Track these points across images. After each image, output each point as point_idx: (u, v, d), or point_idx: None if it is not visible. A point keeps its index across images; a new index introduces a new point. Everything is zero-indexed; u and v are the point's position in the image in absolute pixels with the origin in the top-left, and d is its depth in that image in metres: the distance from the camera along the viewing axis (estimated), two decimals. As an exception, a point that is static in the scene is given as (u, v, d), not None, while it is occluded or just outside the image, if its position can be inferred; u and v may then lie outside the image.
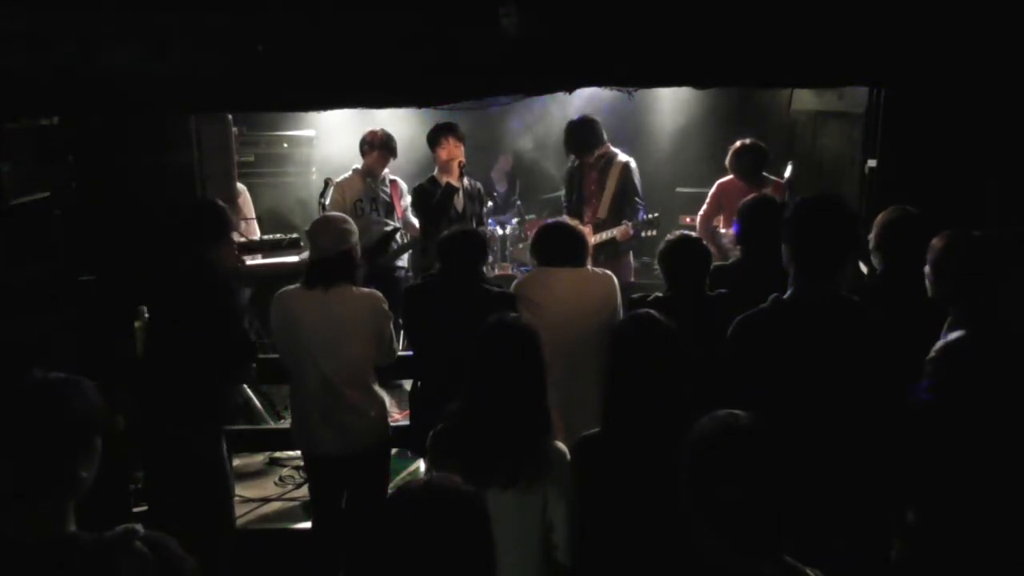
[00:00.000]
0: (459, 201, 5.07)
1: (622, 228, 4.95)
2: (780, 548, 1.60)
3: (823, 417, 2.36)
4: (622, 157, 5.13)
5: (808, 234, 2.44)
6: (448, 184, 5.01)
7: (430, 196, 5.03)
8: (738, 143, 5.02)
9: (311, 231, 3.40)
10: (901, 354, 2.46)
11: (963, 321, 2.49)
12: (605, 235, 5.04)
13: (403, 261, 5.67)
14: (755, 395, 2.23)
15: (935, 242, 2.60)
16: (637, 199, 5.06)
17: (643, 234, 4.98)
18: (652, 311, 2.41)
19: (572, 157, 5.31)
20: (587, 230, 5.13)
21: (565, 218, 3.85)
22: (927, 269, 2.62)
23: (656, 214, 5.03)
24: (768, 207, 3.53)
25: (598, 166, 5.14)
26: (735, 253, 3.74)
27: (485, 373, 2.29)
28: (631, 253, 5.30)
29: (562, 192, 7.12)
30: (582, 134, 5.06)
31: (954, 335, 2.48)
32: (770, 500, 1.57)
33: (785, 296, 2.47)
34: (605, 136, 5.12)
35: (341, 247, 3.28)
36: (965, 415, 2.41)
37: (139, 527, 1.54)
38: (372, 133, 5.43)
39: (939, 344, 2.49)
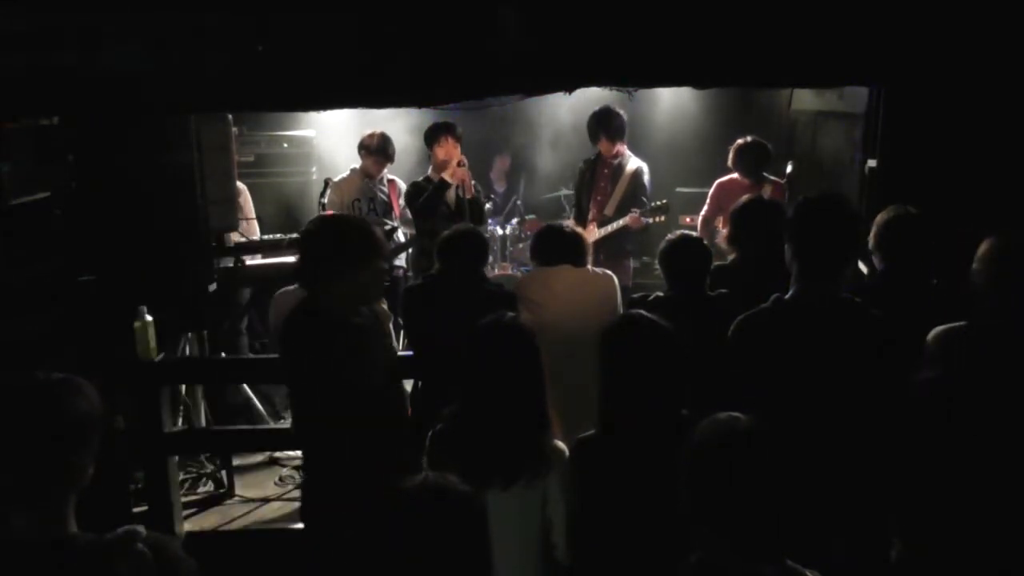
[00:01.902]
0: (451, 197, 5.08)
1: (632, 216, 5.00)
2: (782, 551, 1.60)
3: (823, 417, 2.36)
4: (635, 162, 5.20)
5: (810, 234, 2.44)
6: (441, 179, 5.01)
7: (423, 192, 5.04)
8: (740, 141, 5.05)
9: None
10: (901, 355, 2.46)
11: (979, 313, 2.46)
12: (613, 227, 5.08)
13: (401, 260, 5.68)
14: (755, 395, 2.23)
15: (985, 244, 2.50)
16: (645, 199, 5.10)
17: (652, 220, 5.01)
18: (643, 311, 2.42)
19: (584, 160, 5.35)
20: (591, 227, 5.17)
21: (564, 221, 3.87)
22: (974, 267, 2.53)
23: (664, 201, 5.07)
24: (760, 208, 3.53)
25: (612, 165, 5.19)
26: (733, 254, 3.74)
27: (483, 373, 2.29)
28: (631, 256, 5.32)
29: (562, 192, 7.17)
30: (618, 121, 5.13)
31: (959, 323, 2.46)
32: (771, 503, 1.57)
33: (787, 296, 2.47)
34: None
35: None
36: (966, 400, 2.40)
37: (141, 528, 1.54)
38: (370, 137, 5.44)
39: (939, 328, 2.47)
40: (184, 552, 1.61)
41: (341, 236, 2.69)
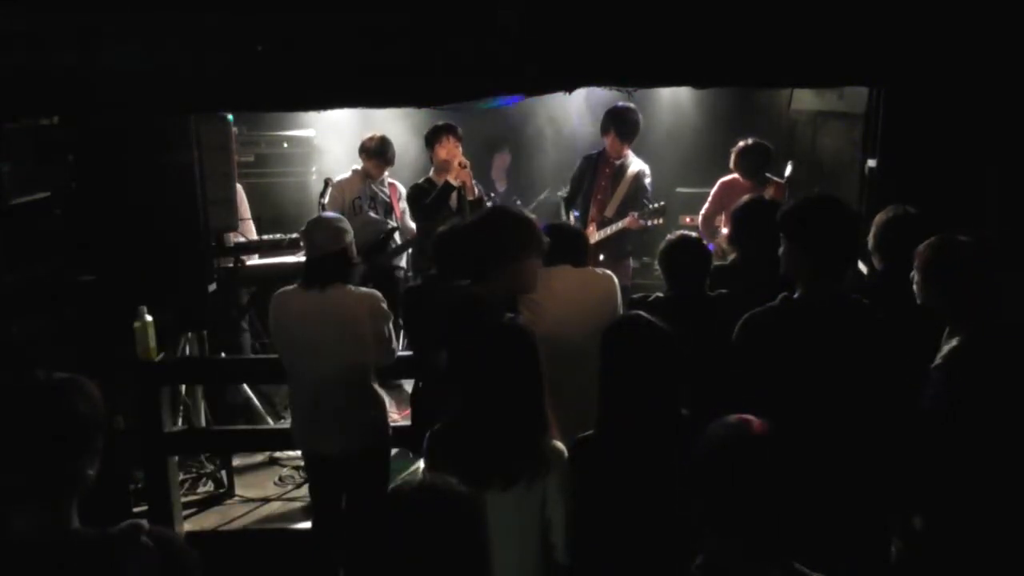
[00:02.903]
0: (452, 198, 5.07)
1: (629, 218, 4.99)
2: (789, 553, 1.60)
3: (828, 417, 2.36)
4: (637, 164, 5.18)
5: (818, 234, 2.44)
6: (446, 182, 5.01)
7: (426, 194, 5.04)
8: (742, 143, 5.04)
9: (306, 231, 3.40)
10: (903, 354, 2.46)
11: (958, 327, 2.48)
12: (611, 229, 5.07)
13: (402, 261, 5.68)
14: (760, 393, 2.23)
15: (922, 248, 2.56)
16: (646, 201, 5.10)
17: (650, 223, 5.01)
18: (642, 312, 2.42)
19: (586, 154, 5.34)
20: (591, 228, 5.16)
21: (567, 218, 3.86)
22: (914, 275, 2.59)
23: (662, 203, 5.07)
24: (762, 208, 3.53)
25: (614, 165, 5.18)
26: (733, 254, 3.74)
27: (483, 374, 2.29)
28: (631, 257, 5.31)
29: (562, 191, 7.16)
30: (632, 122, 5.09)
31: (953, 342, 2.47)
32: (781, 505, 1.57)
33: (795, 296, 2.47)
34: None
35: (335, 246, 3.28)
36: (970, 422, 2.40)
37: (144, 522, 1.55)
38: (369, 139, 5.43)
39: (943, 352, 2.48)
40: (187, 545, 1.61)
41: (507, 229, 2.82)
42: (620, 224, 5.04)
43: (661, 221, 5.05)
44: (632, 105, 5.08)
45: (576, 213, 5.33)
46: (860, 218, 2.63)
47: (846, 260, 2.48)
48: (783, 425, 1.65)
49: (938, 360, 2.46)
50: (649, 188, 5.16)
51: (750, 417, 1.66)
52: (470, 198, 5.05)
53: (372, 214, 5.46)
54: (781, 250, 2.55)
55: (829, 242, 2.43)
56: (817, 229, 2.45)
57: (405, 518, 1.45)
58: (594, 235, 5.12)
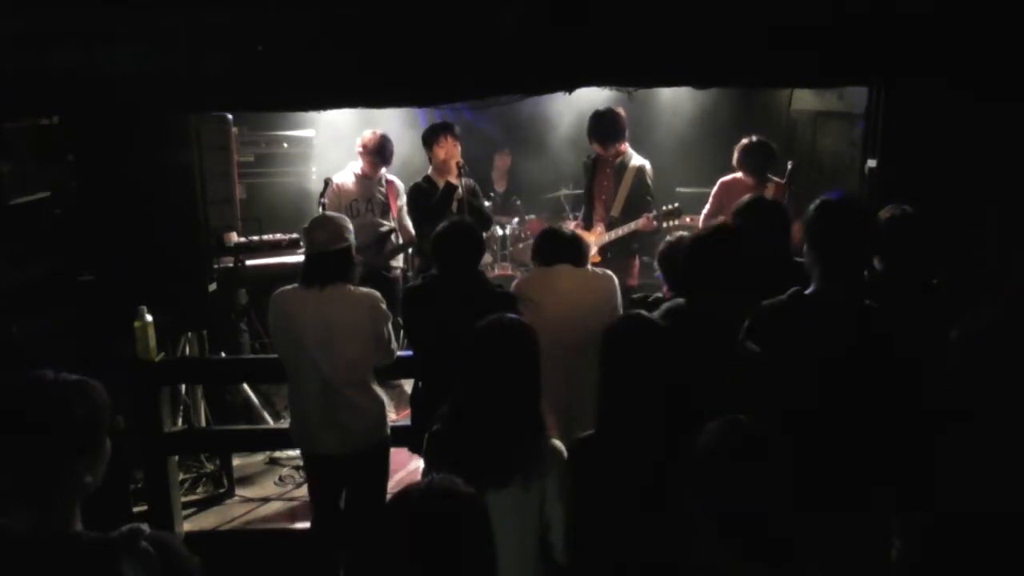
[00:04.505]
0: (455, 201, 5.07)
1: (643, 219, 4.98)
2: (788, 555, 1.60)
3: (831, 415, 2.36)
4: (637, 160, 5.17)
5: (832, 235, 2.45)
6: (448, 183, 5.00)
7: (429, 196, 5.01)
8: (746, 140, 5.02)
9: (307, 229, 3.39)
10: (905, 355, 2.46)
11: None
12: (624, 230, 5.06)
13: (399, 261, 5.67)
14: (766, 388, 2.23)
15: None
16: (649, 198, 5.09)
17: (665, 224, 5.00)
18: (643, 312, 2.42)
19: (587, 156, 5.34)
20: (598, 229, 5.16)
21: (566, 224, 3.86)
22: None
23: (677, 204, 5.07)
24: (763, 208, 3.53)
25: (614, 164, 5.18)
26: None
27: (481, 373, 2.29)
28: (637, 256, 5.30)
29: (562, 192, 7.17)
30: (608, 124, 5.09)
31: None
32: (778, 507, 1.57)
33: (807, 292, 2.48)
34: (626, 133, 5.17)
35: (337, 244, 3.28)
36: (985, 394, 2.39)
37: (144, 526, 1.54)
38: (367, 137, 5.42)
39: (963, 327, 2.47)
40: (187, 549, 1.61)
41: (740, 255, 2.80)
42: (633, 225, 5.03)
43: (677, 222, 5.06)
44: (603, 110, 5.09)
45: (577, 214, 5.32)
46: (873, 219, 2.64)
47: (860, 261, 2.49)
48: (784, 422, 1.65)
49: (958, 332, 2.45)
50: (652, 186, 5.16)
51: (742, 417, 1.66)
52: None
53: (369, 215, 5.44)
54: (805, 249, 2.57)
55: (844, 244, 2.44)
56: (831, 232, 2.46)
57: (414, 520, 1.44)
58: (604, 235, 5.11)
